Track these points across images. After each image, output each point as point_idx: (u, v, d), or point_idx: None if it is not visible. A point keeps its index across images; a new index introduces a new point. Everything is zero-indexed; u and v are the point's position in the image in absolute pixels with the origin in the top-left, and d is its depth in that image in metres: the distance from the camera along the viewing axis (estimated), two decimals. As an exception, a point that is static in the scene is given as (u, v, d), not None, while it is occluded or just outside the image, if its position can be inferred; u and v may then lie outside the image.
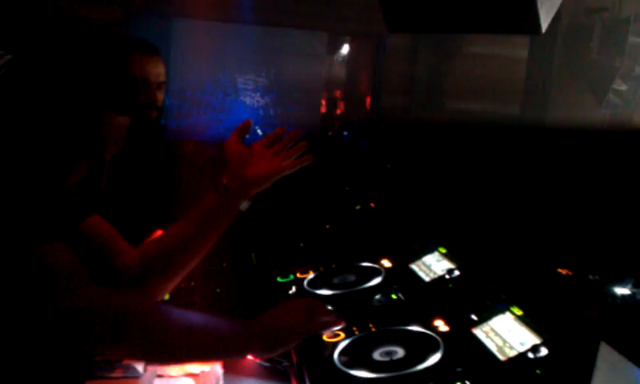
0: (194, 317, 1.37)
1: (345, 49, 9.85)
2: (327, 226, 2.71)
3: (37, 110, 1.14)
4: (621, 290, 1.51)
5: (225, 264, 2.67)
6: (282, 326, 1.44)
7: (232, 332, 1.39)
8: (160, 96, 2.39)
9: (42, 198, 1.13)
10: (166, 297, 2.38)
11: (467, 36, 6.28)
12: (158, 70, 2.34)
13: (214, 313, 2.16)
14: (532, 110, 5.88)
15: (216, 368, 1.83)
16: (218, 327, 1.37)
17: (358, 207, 2.80)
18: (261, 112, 8.77)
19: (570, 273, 1.89)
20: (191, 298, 2.41)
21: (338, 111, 9.12)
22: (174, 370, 1.81)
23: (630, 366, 1.11)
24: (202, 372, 1.82)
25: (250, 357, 1.84)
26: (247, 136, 1.76)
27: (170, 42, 8.12)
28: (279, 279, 2.11)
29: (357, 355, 1.50)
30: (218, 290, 2.50)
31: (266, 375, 1.85)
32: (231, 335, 1.38)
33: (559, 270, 1.89)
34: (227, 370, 1.85)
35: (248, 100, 8.77)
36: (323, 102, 9.21)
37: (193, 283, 2.47)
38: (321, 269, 2.15)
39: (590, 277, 1.84)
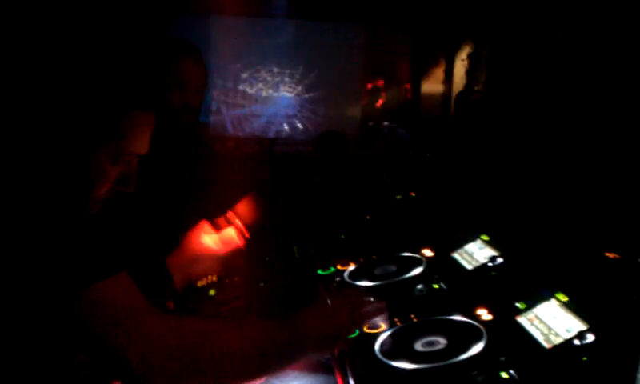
0: (254, 333, 1.32)
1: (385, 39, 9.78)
2: (368, 217, 2.70)
3: (60, 116, 1.16)
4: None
5: (267, 258, 2.68)
6: (331, 326, 1.42)
7: (285, 341, 1.36)
8: (200, 99, 2.43)
9: (76, 215, 1.13)
10: (212, 292, 2.42)
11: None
12: (199, 74, 2.39)
13: (262, 314, 2.18)
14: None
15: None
16: (272, 340, 1.33)
17: (398, 197, 2.78)
18: (300, 105, 8.79)
19: (618, 256, 1.83)
20: (235, 293, 2.43)
21: (380, 101, 9.05)
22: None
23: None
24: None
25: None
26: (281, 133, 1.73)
27: (209, 40, 8.19)
28: (320, 272, 2.12)
29: (398, 346, 1.49)
30: (261, 284, 2.52)
31: (310, 368, 1.85)
32: (285, 345, 1.36)
33: (607, 254, 1.84)
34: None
35: (287, 94, 8.79)
36: (364, 92, 9.16)
37: (236, 278, 2.49)
38: (361, 260, 2.14)
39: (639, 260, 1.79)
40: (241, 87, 8.66)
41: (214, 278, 2.36)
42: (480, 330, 1.48)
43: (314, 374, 1.82)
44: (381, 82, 9.19)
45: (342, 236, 2.58)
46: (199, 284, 2.34)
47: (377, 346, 1.49)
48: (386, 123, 3.94)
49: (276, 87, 8.79)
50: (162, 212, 2.18)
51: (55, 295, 1.03)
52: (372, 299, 1.59)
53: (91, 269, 1.06)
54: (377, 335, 1.56)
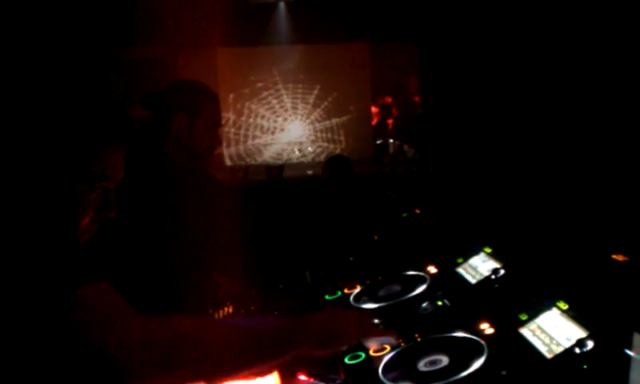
0: (244, 324, 1.40)
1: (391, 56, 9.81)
2: (375, 237, 2.71)
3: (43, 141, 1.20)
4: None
5: (281, 285, 2.71)
6: (334, 327, 1.45)
7: (284, 330, 1.40)
8: (219, 137, 2.51)
9: (65, 238, 1.18)
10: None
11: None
12: (219, 114, 2.49)
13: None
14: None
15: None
16: (269, 329, 1.38)
17: (404, 215, 2.79)
18: (311, 128, 8.84)
19: (625, 258, 1.83)
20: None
21: (390, 119, 9.08)
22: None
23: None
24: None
25: (304, 376, 1.87)
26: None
27: (216, 72, 8.31)
28: (327, 297, 2.14)
29: (402, 367, 1.50)
30: (276, 312, 2.54)
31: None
32: (283, 333, 1.40)
33: (614, 256, 1.84)
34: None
35: (296, 119, 8.86)
36: (374, 110, 9.20)
37: (252, 308, 2.51)
38: (367, 282, 2.15)
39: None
40: (250, 117, 8.76)
41: (230, 310, 2.39)
42: (481, 345, 1.48)
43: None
44: (389, 99, 9.24)
45: (351, 258, 2.60)
46: (216, 316, 2.36)
47: (380, 369, 1.50)
48: (391, 141, 3.96)
49: (285, 114, 8.87)
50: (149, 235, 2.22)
51: (42, 303, 1.10)
52: (377, 321, 1.61)
53: (76, 276, 1.12)
54: (381, 358, 1.57)
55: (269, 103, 8.87)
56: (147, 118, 2.47)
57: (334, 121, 8.87)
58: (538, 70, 4.48)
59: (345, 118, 8.87)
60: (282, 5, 8.54)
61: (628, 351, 1.26)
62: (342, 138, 8.76)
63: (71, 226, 1.23)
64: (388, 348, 1.62)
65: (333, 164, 4.79)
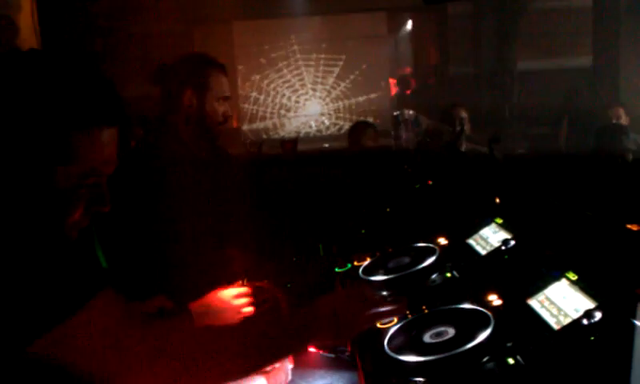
0: (253, 331, 1.37)
1: (409, 25, 9.69)
2: (387, 209, 2.70)
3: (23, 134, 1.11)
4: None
5: (295, 258, 2.72)
6: (344, 315, 1.44)
7: (292, 330, 1.40)
8: (229, 110, 2.52)
9: (50, 245, 1.12)
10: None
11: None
12: (228, 85, 2.48)
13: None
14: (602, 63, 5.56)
15: (285, 364, 1.87)
16: (278, 332, 1.38)
17: (417, 186, 2.77)
18: (328, 100, 8.79)
19: (637, 228, 1.80)
20: (264, 296, 2.47)
21: (409, 91, 9.00)
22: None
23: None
24: (273, 368, 1.86)
25: (313, 348, 1.89)
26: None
27: (233, 46, 8.28)
28: (337, 269, 2.14)
29: (407, 339, 1.50)
30: (288, 285, 2.55)
31: (332, 365, 1.88)
32: (294, 329, 1.40)
33: (628, 226, 1.80)
34: (295, 364, 1.89)
35: (315, 91, 8.81)
36: (392, 81, 9.11)
37: (265, 281, 2.52)
38: (377, 254, 2.15)
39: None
40: (266, 90, 8.73)
41: (244, 283, 2.40)
42: (488, 316, 1.47)
43: (337, 371, 1.85)
44: (408, 69, 9.14)
45: (363, 231, 2.59)
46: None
47: (385, 341, 1.50)
48: (408, 112, 3.93)
49: (301, 87, 8.83)
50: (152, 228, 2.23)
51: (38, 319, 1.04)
52: (385, 293, 1.60)
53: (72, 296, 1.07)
54: (386, 330, 1.57)
55: (285, 76, 8.83)
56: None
57: (351, 92, 8.82)
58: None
59: (362, 90, 8.80)
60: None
61: (635, 321, 1.24)
62: (360, 110, 8.70)
63: (56, 222, 1.16)
64: (395, 320, 1.61)
65: (357, 129, 4.76)
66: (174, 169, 2.31)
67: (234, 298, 2.07)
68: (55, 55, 1.22)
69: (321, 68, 8.84)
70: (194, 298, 2.04)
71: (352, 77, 8.80)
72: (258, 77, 8.72)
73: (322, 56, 8.79)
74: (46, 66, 1.18)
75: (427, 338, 1.48)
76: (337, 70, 8.84)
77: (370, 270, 2.00)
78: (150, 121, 2.85)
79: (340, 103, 8.79)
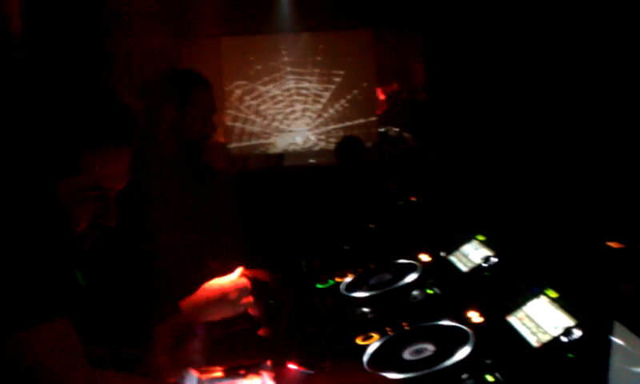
0: None
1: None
2: (371, 225, 2.70)
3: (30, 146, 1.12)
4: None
5: (278, 274, 2.70)
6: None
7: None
8: (214, 126, 2.51)
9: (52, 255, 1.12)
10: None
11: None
12: (213, 102, 2.47)
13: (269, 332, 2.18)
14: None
15: (266, 380, 1.84)
16: None
17: (400, 203, 2.77)
18: (315, 116, 8.81)
19: (617, 245, 1.80)
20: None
21: (395, 105, 9.02)
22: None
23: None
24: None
25: (294, 365, 1.86)
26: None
27: (220, 61, 8.29)
28: (318, 285, 2.12)
29: (387, 356, 1.49)
30: (270, 302, 2.53)
31: (312, 382, 1.86)
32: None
33: (607, 243, 1.81)
34: (276, 381, 1.87)
35: (301, 107, 8.83)
36: (379, 98, 9.14)
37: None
38: (359, 270, 2.14)
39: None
40: (253, 105, 8.73)
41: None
42: (468, 333, 1.47)
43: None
44: (395, 86, 9.17)
45: (346, 247, 2.58)
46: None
47: (365, 358, 1.49)
48: (393, 128, 3.94)
49: (289, 102, 8.84)
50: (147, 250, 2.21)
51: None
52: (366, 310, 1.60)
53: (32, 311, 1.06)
54: (366, 346, 1.56)
55: (272, 92, 8.84)
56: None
57: (338, 109, 8.84)
58: (534, 64, 4.46)
59: (348, 106, 8.83)
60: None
61: (614, 339, 1.24)
62: (346, 126, 8.71)
63: (58, 232, 1.16)
64: (375, 337, 1.61)
65: (345, 146, 4.76)
66: (155, 183, 2.30)
67: (233, 288, 1.98)
68: (72, 70, 1.25)
69: (308, 84, 8.87)
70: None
71: (338, 93, 8.84)
72: (245, 92, 8.73)
73: (310, 73, 8.82)
74: (61, 80, 1.21)
75: (407, 354, 1.47)
76: (324, 86, 8.86)
77: (352, 287, 1.99)
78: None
79: (327, 119, 8.81)
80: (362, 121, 8.66)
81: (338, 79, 8.83)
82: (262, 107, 8.75)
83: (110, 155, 1.19)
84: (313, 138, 8.74)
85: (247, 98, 8.72)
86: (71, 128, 1.15)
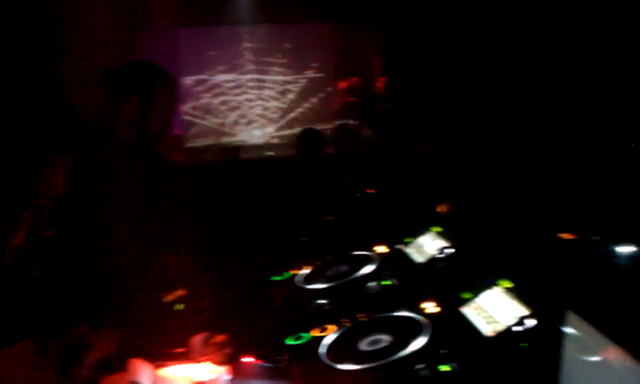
0: None
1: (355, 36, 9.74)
2: (329, 218, 2.69)
3: None
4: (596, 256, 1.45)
5: (234, 267, 2.67)
6: None
7: None
8: (171, 121, 2.45)
9: None
10: (179, 307, 2.40)
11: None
12: (173, 98, 2.42)
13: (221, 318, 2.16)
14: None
15: (222, 374, 1.82)
16: None
17: (358, 195, 2.77)
18: (272, 108, 8.76)
19: (569, 236, 1.84)
20: (201, 305, 2.41)
21: (353, 99, 9.05)
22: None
23: (597, 336, 1.06)
24: (211, 380, 1.81)
25: (251, 358, 1.84)
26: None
27: (175, 53, 8.16)
28: (273, 278, 2.10)
29: (343, 348, 1.48)
30: (227, 295, 2.50)
31: (270, 375, 1.84)
32: None
33: (559, 235, 1.84)
34: (233, 374, 1.85)
35: (258, 99, 8.77)
36: (337, 91, 9.14)
37: (204, 290, 2.47)
38: (317, 263, 2.13)
39: (593, 238, 1.80)
40: (210, 97, 8.64)
41: (182, 292, 2.35)
42: (423, 324, 1.47)
43: (275, 381, 1.81)
44: (354, 80, 9.19)
45: (304, 239, 2.57)
46: (166, 299, 2.32)
47: (321, 350, 1.48)
48: (351, 121, 3.93)
49: (246, 94, 8.77)
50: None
51: None
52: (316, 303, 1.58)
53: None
54: (324, 338, 1.54)
55: (230, 84, 8.76)
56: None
57: (297, 102, 8.81)
58: (490, 57, 4.52)
59: (306, 99, 8.81)
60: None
61: (567, 328, 1.25)
62: (303, 119, 8.69)
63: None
64: (330, 329, 1.59)
65: (305, 137, 4.72)
66: (111, 174, 2.25)
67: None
68: (16, 77, 1.19)
69: (267, 77, 8.81)
70: (131, 304, 1.98)
71: (297, 86, 8.81)
72: (202, 84, 8.62)
73: (269, 65, 8.76)
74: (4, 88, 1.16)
75: (364, 345, 1.46)
76: (283, 78, 8.82)
77: (309, 279, 1.98)
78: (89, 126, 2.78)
79: (285, 112, 8.77)
80: (320, 114, 8.64)
81: (297, 72, 8.80)
82: (220, 99, 8.66)
83: (49, 163, 1.15)
84: (271, 130, 8.69)
85: (202, 88, 8.62)
86: (7, 137, 1.11)
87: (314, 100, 8.85)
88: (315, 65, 8.86)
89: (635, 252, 1.68)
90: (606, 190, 2.04)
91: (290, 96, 8.81)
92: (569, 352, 1.15)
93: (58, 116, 1.18)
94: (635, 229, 1.85)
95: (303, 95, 8.82)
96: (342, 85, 9.14)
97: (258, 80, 8.78)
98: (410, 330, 1.46)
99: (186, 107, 8.41)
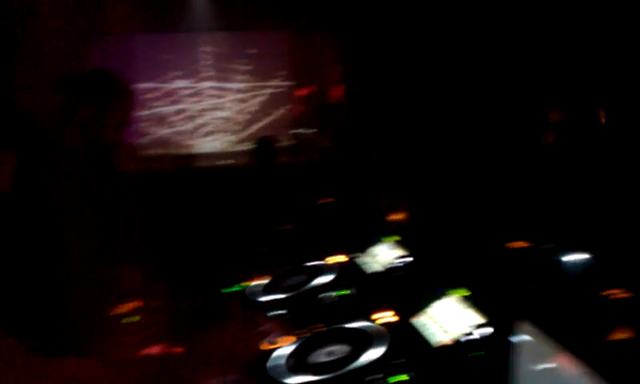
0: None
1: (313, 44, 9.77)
2: (287, 227, 2.68)
3: None
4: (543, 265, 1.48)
5: (192, 279, 2.64)
6: (228, 347, 1.49)
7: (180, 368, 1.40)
8: (124, 133, 2.40)
9: None
10: (133, 319, 2.35)
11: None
12: (130, 108, 2.36)
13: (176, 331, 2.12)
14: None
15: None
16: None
17: (317, 204, 2.77)
18: (228, 117, 8.71)
19: (521, 245, 1.86)
20: (156, 317, 2.37)
21: (311, 108, 9.06)
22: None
23: (549, 343, 1.08)
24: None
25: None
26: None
27: (131, 60, 8.05)
28: (223, 290, 2.08)
29: (299, 359, 1.46)
30: (182, 305, 2.46)
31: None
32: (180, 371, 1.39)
33: (511, 244, 1.87)
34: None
35: (216, 106, 8.71)
36: (294, 99, 9.15)
37: (158, 302, 2.42)
38: (274, 273, 2.11)
39: (545, 247, 1.82)
40: (165, 105, 8.54)
41: (136, 304, 2.30)
42: (380, 334, 1.46)
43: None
44: (312, 88, 9.21)
45: (261, 248, 2.55)
46: (120, 311, 2.27)
47: (271, 364, 1.46)
48: (309, 130, 3.93)
49: (203, 102, 8.70)
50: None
51: None
52: (269, 315, 1.57)
53: None
54: (273, 351, 1.53)
55: (186, 91, 8.67)
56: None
57: (254, 110, 8.78)
58: (447, 67, 4.59)
59: (265, 107, 8.79)
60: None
61: (514, 338, 1.26)
62: (260, 127, 8.66)
63: None
64: (280, 341, 1.58)
65: (261, 145, 4.69)
66: (58, 180, 2.19)
67: None
68: None
69: (224, 84, 8.75)
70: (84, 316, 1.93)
71: (254, 93, 8.78)
72: (157, 91, 8.51)
73: (226, 72, 8.71)
74: None
75: (320, 357, 1.45)
76: (240, 86, 8.78)
77: (266, 289, 1.96)
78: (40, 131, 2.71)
79: (242, 120, 8.73)
80: (278, 122, 8.63)
81: (254, 80, 8.77)
82: (175, 107, 8.57)
83: None
84: (228, 138, 8.63)
85: (154, 95, 8.51)
86: None
87: (272, 108, 8.83)
88: (273, 73, 8.85)
89: (585, 259, 1.71)
90: (559, 198, 2.08)
91: (247, 104, 8.77)
92: (522, 360, 1.16)
93: (1, 114, 1.15)
94: (584, 236, 1.89)
95: (260, 103, 8.79)
96: (301, 93, 9.16)
97: (215, 87, 8.72)
98: (366, 340, 1.45)
99: (141, 115, 8.29)
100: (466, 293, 1.55)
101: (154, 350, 2.05)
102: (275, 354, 1.49)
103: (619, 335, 1.26)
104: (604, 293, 1.44)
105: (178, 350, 1.82)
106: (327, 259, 2.07)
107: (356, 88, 8.12)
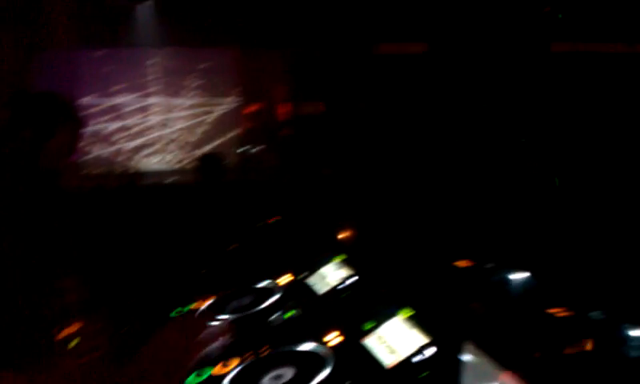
0: None
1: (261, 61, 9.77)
2: (231, 247, 2.64)
3: None
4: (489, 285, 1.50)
5: (131, 298, 2.57)
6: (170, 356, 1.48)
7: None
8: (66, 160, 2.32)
9: None
10: (72, 344, 2.27)
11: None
12: (77, 134, 2.28)
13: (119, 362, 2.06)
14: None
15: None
16: None
17: (264, 223, 2.74)
18: (174, 133, 8.60)
19: (466, 264, 1.89)
20: (96, 341, 2.30)
21: (258, 125, 9.04)
22: None
23: (492, 363, 1.09)
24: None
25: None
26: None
27: (76, 75, 7.88)
28: (172, 314, 2.03)
29: (247, 383, 1.44)
30: (124, 329, 2.40)
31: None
32: None
33: (457, 263, 1.89)
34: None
35: (162, 123, 8.59)
36: (243, 116, 9.11)
37: (98, 326, 2.35)
38: (218, 294, 2.07)
39: (488, 266, 1.85)
40: (110, 122, 8.38)
41: (77, 326, 2.23)
42: (327, 356, 1.45)
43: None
44: (260, 105, 9.19)
45: (205, 270, 2.51)
46: (59, 336, 2.20)
47: (223, 386, 1.43)
48: (256, 147, 3.90)
49: (148, 119, 8.58)
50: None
51: None
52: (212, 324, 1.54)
53: None
54: (225, 375, 1.49)
55: (131, 107, 8.53)
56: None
57: (200, 126, 8.70)
58: (397, 84, 4.65)
59: (211, 125, 8.72)
60: (145, 6, 8.23)
61: (462, 357, 1.27)
62: (207, 145, 8.58)
63: None
64: (234, 363, 1.55)
65: (206, 162, 4.62)
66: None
67: None
68: None
69: (170, 100, 8.65)
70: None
71: (204, 110, 8.71)
72: (100, 107, 8.34)
73: (173, 88, 8.61)
74: None
75: (266, 380, 1.43)
76: (186, 103, 8.69)
77: (210, 311, 1.92)
78: None
79: (188, 137, 8.64)
80: (224, 139, 8.57)
81: (201, 97, 8.70)
82: (120, 124, 8.41)
83: None
84: (173, 156, 8.52)
85: (102, 113, 8.34)
86: None
87: (218, 126, 8.77)
88: (220, 90, 8.80)
89: (527, 278, 1.75)
90: (501, 218, 2.13)
91: (193, 121, 8.69)
92: (467, 380, 1.17)
93: None
94: (527, 255, 1.93)
95: (207, 120, 8.72)
96: (248, 110, 9.13)
97: (161, 104, 8.61)
98: (314, 362, 1.44)
99: (85, 131, 8.10)
100: (410, 313, 1.55)
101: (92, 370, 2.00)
102: (228, 376, 1.47)
103: (562, 353, 1.28)
104: (546, 311, 1.47)
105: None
106: (274, 279, 2.06)
107: (304, 106, 8.16)
